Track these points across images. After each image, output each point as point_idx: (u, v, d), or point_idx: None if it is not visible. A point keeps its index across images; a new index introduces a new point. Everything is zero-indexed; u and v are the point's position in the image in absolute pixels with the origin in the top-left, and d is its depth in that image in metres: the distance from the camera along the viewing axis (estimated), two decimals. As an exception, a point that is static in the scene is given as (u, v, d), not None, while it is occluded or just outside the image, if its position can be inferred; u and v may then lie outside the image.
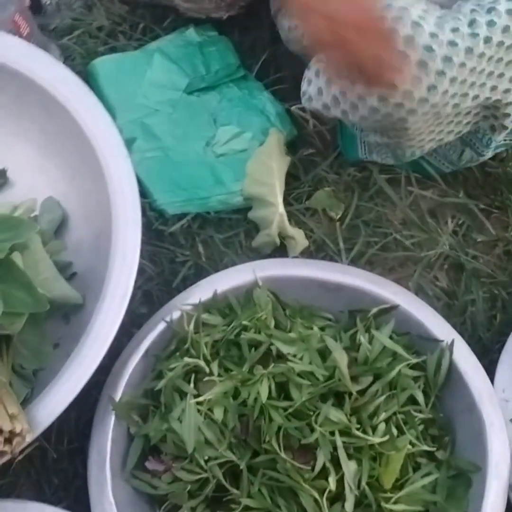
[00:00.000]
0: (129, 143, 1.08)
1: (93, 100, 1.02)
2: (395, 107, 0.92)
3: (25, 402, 0.91)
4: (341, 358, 0.89)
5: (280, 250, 1.12)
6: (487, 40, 0.90)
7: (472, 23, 0.90)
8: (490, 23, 0.90)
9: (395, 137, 1.01)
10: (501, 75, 0.93)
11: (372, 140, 1.06)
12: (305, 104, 1.05)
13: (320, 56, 1.00)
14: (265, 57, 1.22)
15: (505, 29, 0.90)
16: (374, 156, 1.14)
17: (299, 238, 1.11)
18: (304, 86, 1.04)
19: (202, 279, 1.00)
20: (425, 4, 0.92)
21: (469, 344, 1.03)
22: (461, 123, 0.98)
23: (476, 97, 0.94)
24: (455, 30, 0.89)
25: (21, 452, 0.88)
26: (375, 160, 1.15)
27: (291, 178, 1.16)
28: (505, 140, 1.07)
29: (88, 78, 1.14)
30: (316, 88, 1.01)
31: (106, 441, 0.90)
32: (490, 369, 0.98)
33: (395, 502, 0.87)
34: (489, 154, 1.08)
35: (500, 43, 0.90)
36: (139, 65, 1.16)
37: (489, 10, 0.90)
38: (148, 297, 1.07)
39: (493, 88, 0.94)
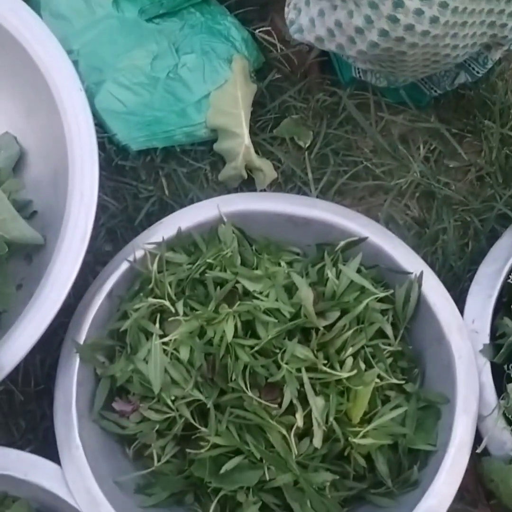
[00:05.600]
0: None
1: (46, 30, 0.97)
2: (396, 41, 0.88)
3: (-11, 346, 0.90)
4: (307, 295, 0.87)
5: (248, 183, 1.09)
6: None
7: None
8: None
9: (389, 67, 0.97)
10: None
11: (363, 67, 1.02)
12: (294, 35, 0.98)
13: None
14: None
15: None
16: (368, 77, 1.10)
17: (267, 170, 1.08)
18: (291, 15, 0.97)
19: (166, 216, 0.98)
20: None
21: (440, 274, 1.02)
22: (457, 47, 0.94)
23: (473, 23, 0.89)
24: None
25: (-14, 397, 0.87)
26: (368, 81, 1.10)
27: (257, 105, 1.11)
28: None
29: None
30: (308, 19, 0.94)
31: (71, 383, 0.89)
32: (462, 298, 0.97)
33: (363, 436, 0.87)
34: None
35: None
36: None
37: None
38: (112, 235, 1.05)
39: (489, 11, 0.90)
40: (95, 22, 1.10)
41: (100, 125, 1.06)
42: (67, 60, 0.96)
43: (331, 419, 0.86)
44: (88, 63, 1.08)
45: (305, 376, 0.86)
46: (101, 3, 1.11)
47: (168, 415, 0.88)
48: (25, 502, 0.90)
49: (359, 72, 1.10)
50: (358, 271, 0.94)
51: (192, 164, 1.09)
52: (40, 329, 0.86)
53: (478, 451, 0.90)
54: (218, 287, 0.91)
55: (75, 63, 1.01)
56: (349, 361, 0.88)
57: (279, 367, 0.86)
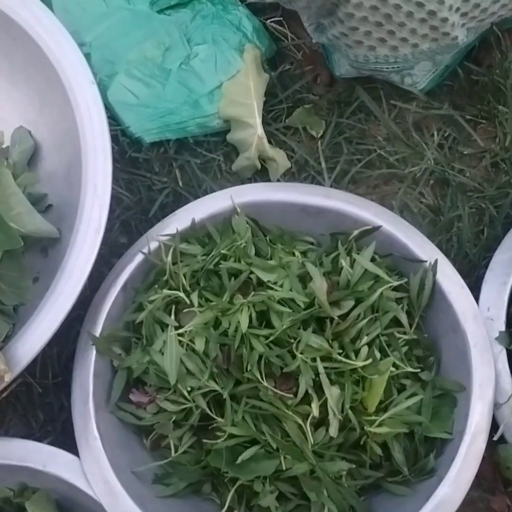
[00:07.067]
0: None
1: (57, 24, 0.98)
2: None
3: (7, 338, 0.91)
4: (320, 284, 0.87)
5: (262, 173, 1.09)
6: None
7: None
8: None
9: (343, 36, 0.97)
10: None
11: (330, 35, 1.01)
12: None
13: None
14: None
15: None
16: (342, 70, 1.10)
17: (280, 160, 1.08)
18: None
19: (180, 207, 0.98)
20: None
21: (455, 261, 1.02)
22: (413, 17, 0.93)
23: None
24: None
25: (4, 390, 0.87)
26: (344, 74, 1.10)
27: (270, 95, 1.11)
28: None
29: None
30: None
31: (88, 375, 0.89)
32: (477, 286, 0.97)
33: (379, 425, 0.87)
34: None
35: None
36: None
37: None
38: (127, 227, 1.05)
39: None
40: (106, 15, 1.10)
41: (113, 118, 1.06)
42: (79, 53, 0.96)
43: (346, 408, 0.86)
44: (100, 55, 1.08)
45: (320, 365, 0.86)
46: (112, -5, 1.11)
47: (184, 406, 0.89)
48: (45, 493, 0.91)
49: (339, 68, 1.10)
50: (372, 260, 0.94)
51: (205, 155, 1.09)
52: (57, 322, 0.87)
53: (495, 438, 0.90)
54: (233, 278, 0.91)
55: (87, 56, 1.02)
56: (364, 350, 0.88)
57: (294, 357, 0.86)
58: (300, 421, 0.86)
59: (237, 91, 1.07)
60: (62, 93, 0.95)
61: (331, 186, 1.08)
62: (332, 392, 0.86)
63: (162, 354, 0.89)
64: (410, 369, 0.90)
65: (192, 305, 0.90)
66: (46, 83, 0.98)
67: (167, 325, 0.90)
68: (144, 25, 1.10)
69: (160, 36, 1.09)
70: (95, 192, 0.90)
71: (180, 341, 0.89)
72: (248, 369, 0.86)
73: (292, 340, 0.87)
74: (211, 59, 1.09)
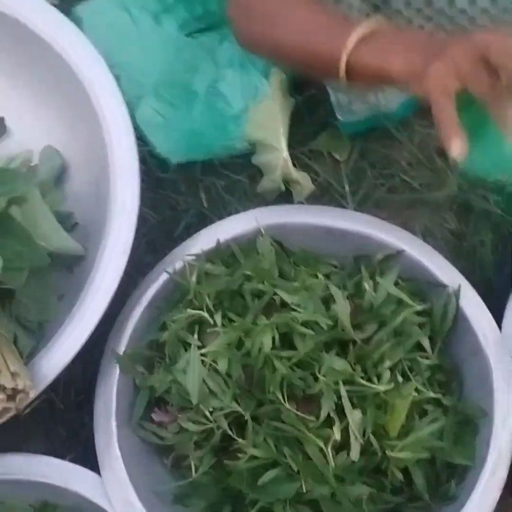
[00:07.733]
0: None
1: (87, 44, 0.99)
2: None
3: (31, 355, 0.91)
4: (343, 307, 0.87)
5: (286, 195, 1.10)
6: None
7: None
8: None
9: None
10: None
11: None
12: None
13: None
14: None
15: None
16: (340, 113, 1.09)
17: (304, 183, 1.09)
18: None
19: (204, 227, 0.99)
20: None
21: (478, 287, 1.01)
22: None
23: None
24: None
25: (27, 406, 0.88)
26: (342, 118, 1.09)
27: (295, 119, 1.12)
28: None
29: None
30: None
31: (111, 393, 0.90)
32: (500, 312, 0.97)
33: (400, 450, 0.86)
34: None
35: None
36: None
37: None
38: (152, 246, 1.06)
39: None
40: (136, 37, 1.12)
41: (141, 138, 1.07)
42: (109, 75, 0.98)
43: (368, 432, 0.86)
44: (129, 77, 1.10)
45: (342, 389, 0.86)
46: (142, 18, 1.13)
47: (206, 426, 0.88)
48: (65, 510, 0.91)
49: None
50: (395, 283, 0.94)
51: (230, 177, 1.10)
52: (81, 340, 0.88)
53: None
54: (256, 299, 0.91)
55: (117, 77, 1.03)
56: (387, 374, 0.88)
57: (316, 379, 0.86)
58: (321, 444, 0.85)
59: (264, 115, 1.08)
60: (92, 114, 0.97)
61: (354, 210, 1.09)
62: (354, 416, 0.86)
63: (185, 373, 0.89)
64: (432, 395, 0.90)
65: (215, 325, 0.90)
66: (76, 103, 1.00)
67: (190, 345, 0.90)
68: (172, 47, 1.11)
69: (188, 58, 1.11)
70: (122, 212, 0.91)
71: (203, 361, 0.89)
72: (270, 390, 0.86)
73: (315, 363, 0.87)
74: (238, 83, 1.10)
